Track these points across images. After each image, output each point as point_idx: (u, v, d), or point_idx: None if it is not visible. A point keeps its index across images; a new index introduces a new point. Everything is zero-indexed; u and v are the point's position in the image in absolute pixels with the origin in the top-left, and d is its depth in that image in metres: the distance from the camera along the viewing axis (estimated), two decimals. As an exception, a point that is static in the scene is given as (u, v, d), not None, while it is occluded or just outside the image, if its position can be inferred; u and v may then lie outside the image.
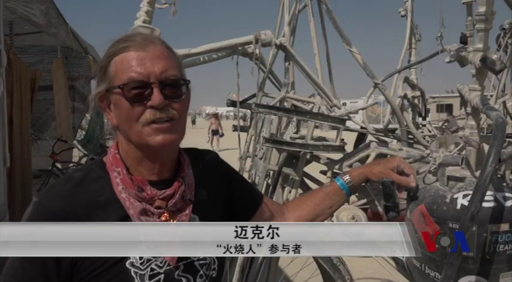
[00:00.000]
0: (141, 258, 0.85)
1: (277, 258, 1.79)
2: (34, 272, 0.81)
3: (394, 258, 1.64)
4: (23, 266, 0.81)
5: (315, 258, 1.85)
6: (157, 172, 0.91)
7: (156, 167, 0.90)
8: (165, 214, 0.88)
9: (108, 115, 0.91)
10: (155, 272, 0.86)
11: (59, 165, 6.62)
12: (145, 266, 0.85)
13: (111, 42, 0.90)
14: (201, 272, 0.92)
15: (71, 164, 7.22)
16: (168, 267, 0.87)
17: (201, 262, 0.93)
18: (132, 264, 0.84)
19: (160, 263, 0.87)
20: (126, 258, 0.84)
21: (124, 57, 0.86)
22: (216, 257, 0.96)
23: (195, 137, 16.28)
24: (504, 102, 2.11)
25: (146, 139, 0.85)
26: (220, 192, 1.04)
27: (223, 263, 1.00)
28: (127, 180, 0.87)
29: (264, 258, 1.79)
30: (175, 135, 0.88)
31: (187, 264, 0.90)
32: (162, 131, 0.85)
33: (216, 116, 17.40)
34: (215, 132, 16.16)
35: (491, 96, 2.20)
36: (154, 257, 0.86)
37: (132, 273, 0.84)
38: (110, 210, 0.86)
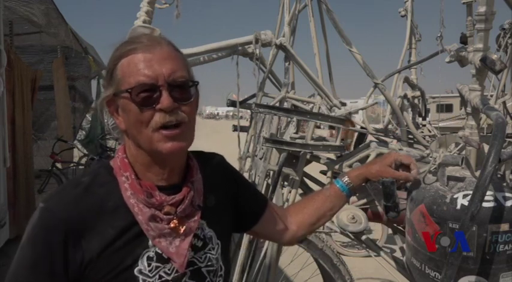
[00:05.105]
0: (149, 265, 0.84)
1: (277, 258, 1.79)
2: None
3: (394, 258, 1.64)
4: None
5: (315, 258, 1.86)
6: (166, 177, 0.89)
7: (165, 172, 0.89)
8: (174, 220, 0.86)
9: (116, 120, 0.88)
10: (163, 279, 0.85)
11: (59, 165, 6.62)
12: (153, 273, 0.84)
13: (114, 45, 0.87)
14: (208, 279, 0.92)
15: (71, 164, 7.23)
16: (176, 274, 0.86)
17: (208, 269, 0.92)
18: (140, 272, 0.83)
19: (169, 270, 0.86)
20: (134, 266, 0.83)
21: (130, 60, 0.83)
22: (223, 263, 0.96)
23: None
24: (504, 102, 2.11)
25: (156, 145, 0.83)
26: (227, 197, 1.03)
27: (229, 269, 0.99)
28: (135, 186, 0.85)
29: (264, 258, 1.79)
30: (184, 142, 0.86)
31: (195, 271, 0.89)
32: (171, 138, 0.83)
33: None
34: None
35: (491, 96, 2.20)
36: (162, 264, 0.85)
37: (141, 281, 0.83)
38: (118, 216, 0.84)
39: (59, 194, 0.88)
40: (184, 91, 0.85)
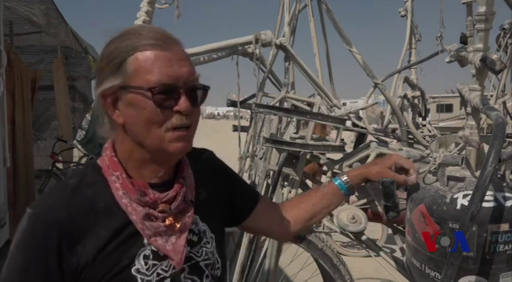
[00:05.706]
0: (146, 263, 0.83)
1: (277, 258, 1.79)
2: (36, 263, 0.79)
3: (394, 258, 1.64)
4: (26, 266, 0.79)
5: (315, 258, 1.85)
6: (161, 175, 0.89)
7: (163, 170, 0.88)
8: (170, 218, 0.86)
9: (113, 113, 0.85)
10: (161, 276, 0.84)
11: (59, 165, 6.62)
12: (151, 272, 0.84)
13: (118, 32, 0.84)
14: (207, 273, 0.91)
15: (71, 164, 7.22)
16: (174, 271, 0.86)
17: (206, 262, 0.92)
18: (138, 271, 0.83)
19: (166, 267, 0.85)
20: (131, 265, 0.82)
21: (148, 56, 0.80)
22: (219, 256, 0.96)
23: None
24: (504, 102, 2.11)
25: (166, 144, 0.82)
26: (219, 191, 1.03)
27: (225, 261, 0.99)
28: (127, 185, 0.84)
29: (264, 258, 1.80)
30: (191, 143, 0.86)
31: (193, 266, 0.89)
32: (183, 138, 0.83)
33: None
34: None
35: (491, 96, 2.20)
36: (159, 262, 0.85)
37: (139, 280, 0.82)
38: (111, 217, 0.83)
39: (47, 198, 0.86)
40: (197, 94, 0.85)
